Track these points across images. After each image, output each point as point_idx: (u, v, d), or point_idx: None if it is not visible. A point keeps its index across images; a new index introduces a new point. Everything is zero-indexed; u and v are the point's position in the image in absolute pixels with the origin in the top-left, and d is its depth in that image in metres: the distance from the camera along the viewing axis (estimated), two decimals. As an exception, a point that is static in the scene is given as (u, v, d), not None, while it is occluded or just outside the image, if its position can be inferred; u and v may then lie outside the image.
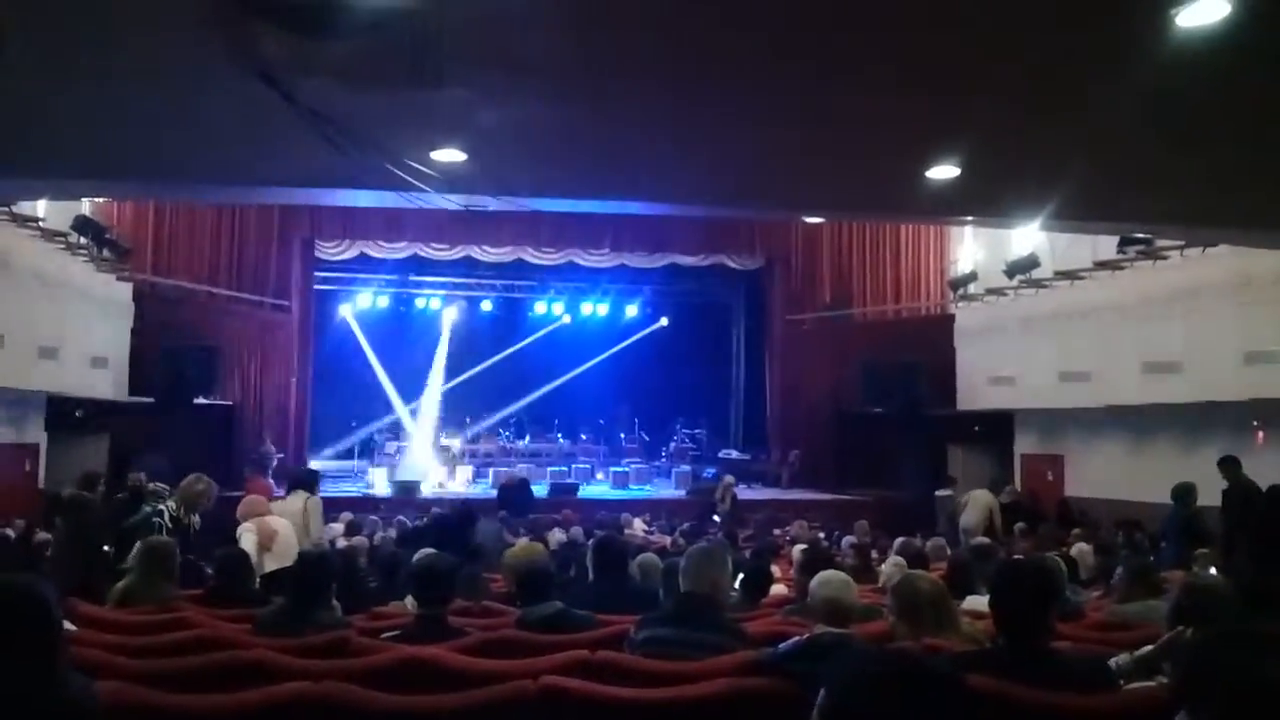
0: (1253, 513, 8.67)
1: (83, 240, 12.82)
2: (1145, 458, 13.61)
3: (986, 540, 8.86)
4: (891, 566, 6.80)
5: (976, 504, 12.45)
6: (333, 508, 13.58)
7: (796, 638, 3.65)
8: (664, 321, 23.58)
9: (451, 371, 22.17)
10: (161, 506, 7.23)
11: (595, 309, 23.26)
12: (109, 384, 14.36)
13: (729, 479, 16.32)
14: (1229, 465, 9.43)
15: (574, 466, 19.81)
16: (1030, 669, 3.10)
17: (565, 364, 22.86)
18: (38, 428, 13.70)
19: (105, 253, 13.54)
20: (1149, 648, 3.58)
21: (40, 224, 11.76)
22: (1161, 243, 11.81)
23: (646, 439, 22.10)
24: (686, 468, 19.60)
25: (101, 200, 12.90)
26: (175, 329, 15.29)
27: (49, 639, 2.06)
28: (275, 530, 7.07)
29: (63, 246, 12.63)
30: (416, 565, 4.86)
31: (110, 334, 14.55)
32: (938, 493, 14.11)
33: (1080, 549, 8.35)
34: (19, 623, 2.01)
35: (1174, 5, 4.04)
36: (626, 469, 19.68)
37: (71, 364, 13.15)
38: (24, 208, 11.23)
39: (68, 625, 4.15)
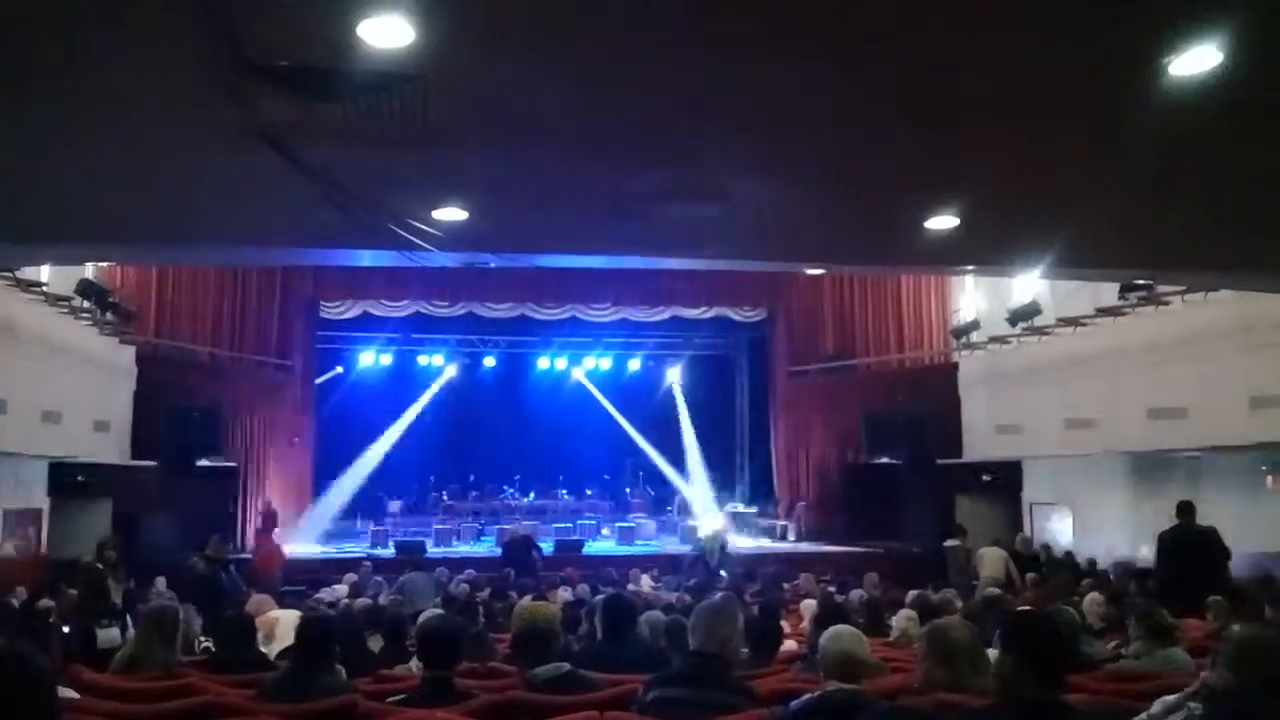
0: (1211, 557, 8.67)
1: (86, 304, 12.87)
2: (1155, 505, 13.52)
3: (997, 591, 8.77)
4: (904, 620, 6.72)
5: (991, 560, 12.36)
6: (336, 569, 13.58)
7: (807, 695, 3.60)
8: (673, 377, 23.49)
9: (455, 428, 22.16)
10: None
11: (598, 363, 23.28)
12: (112, 448, 14.33)
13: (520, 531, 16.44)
14: (1185, 510, 9.33)
15: (579, 523, 19.70)
16: (1044, 722, 3.04)
17: (569, 419, 22.81)
18: (40, 493, 13.65)
19: (109, 316, 13.58)
20: (1172, 697, 3.51)
21: (44, 289, 11.80)
22: (1163, 288, 11.83)
23: (652, 493, 21.99)
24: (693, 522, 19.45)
25: (105, 265, 12.96)
26: (178, 391, 15.27)
27: (46, 711, 2.03)
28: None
29: (66, 311, 12.66)
30: (422, 627, 4.80)
31: (113, 397, 14.55)
32: (946, 543, 13.99)
33: (1092, 599, 8.25)
34: (16, 693, 1.97)
35: (1167, 55, 4.08)
36: (633, 524, 19.57)
37: (75, 428, 13.12)
38: (28, 273, 11.27)
39: (70, 693, 4.12)
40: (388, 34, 3.82)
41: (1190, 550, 8.95)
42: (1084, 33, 3.97)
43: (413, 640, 5.68)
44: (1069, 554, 14.19)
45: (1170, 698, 3.52)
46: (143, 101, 4.46)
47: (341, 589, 10.32)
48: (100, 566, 9.02)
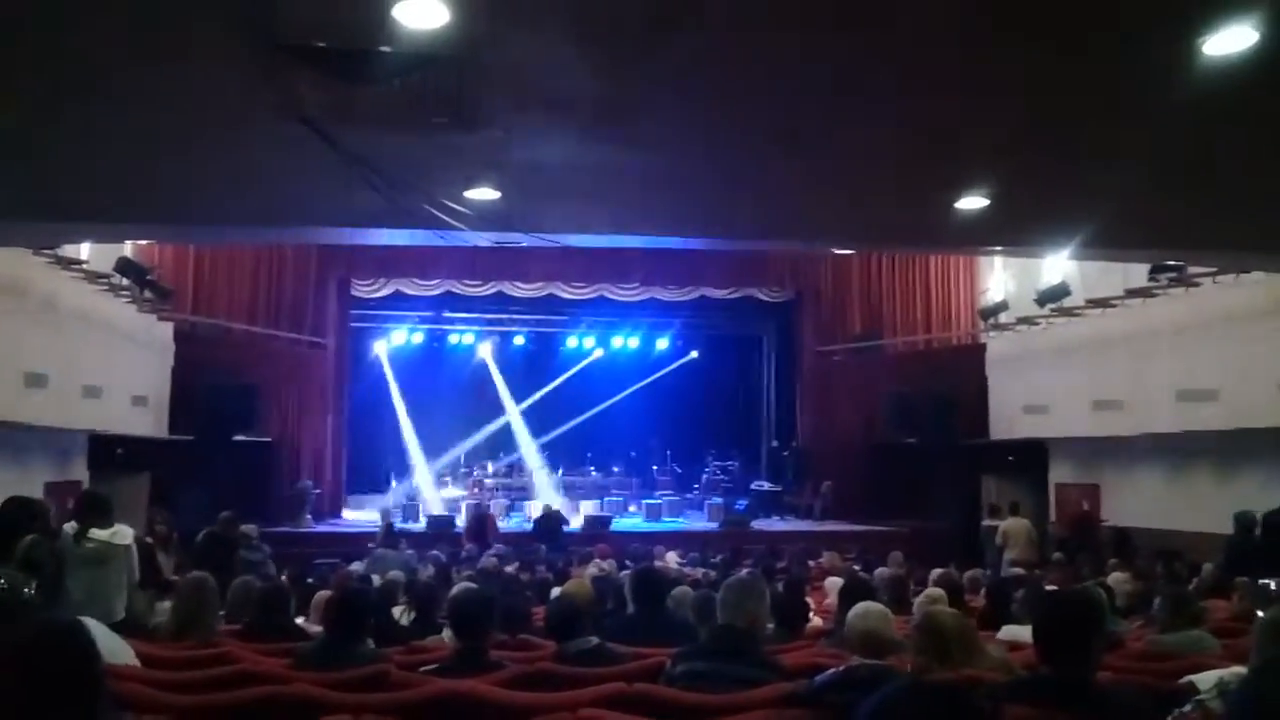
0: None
1: (125, 282, 13.06)
2: (1183, 486, 13.45)
3: (1021, 570, 8.80)
4: (925, 599, 6.74)
5: (1018, 534, 12.34)
6: (367, 542, 13.73)
7: (833, 669, 3.65)
8: (694, 355, 23.57)
9: (483, 406, 22.35)
10: None
11: (626, 342, 23.31)
12: (149, 422, 14.55)
13: (484, 507, 16.61)
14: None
15: (606, 499, 19.81)
16: (1072, 699, 3.07)
17: (597, 397, 22.89)
18: (80, 466, 13.89)
19: (147, 294, 13.77)
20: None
21: (84, 266, 11.98)
22: (1194, 270, 11.73)
23: (679, 471, 22.06)
24: (719, 500, 19.50)
25: (144, 243, 13.14)
26: (214, 367, 15.46)
27: (90, 681, 2.04)
28: None
29: (105, 288, 12.85)
30: (455, 599, 4.90)
31: (151, 373, 14.77)
32: (984, 523, 13.97)
33: (1117, 578, 8.27)
34: (62, 665, 1.99)
35: (1201, 34, 4.07)
36: (659, 501, 19.66)
37: (114, 403, 13.33)
38: (68, 250, 11.44)
39: (134, 659, 4.25)
40: (422, 15, 3.89)
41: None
42: (1117, 12, 3.98)
43: (443, 613, 5.79)
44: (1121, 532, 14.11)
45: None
46: (179, 82, 4.54)
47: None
48: (150, 540, 9.20)
